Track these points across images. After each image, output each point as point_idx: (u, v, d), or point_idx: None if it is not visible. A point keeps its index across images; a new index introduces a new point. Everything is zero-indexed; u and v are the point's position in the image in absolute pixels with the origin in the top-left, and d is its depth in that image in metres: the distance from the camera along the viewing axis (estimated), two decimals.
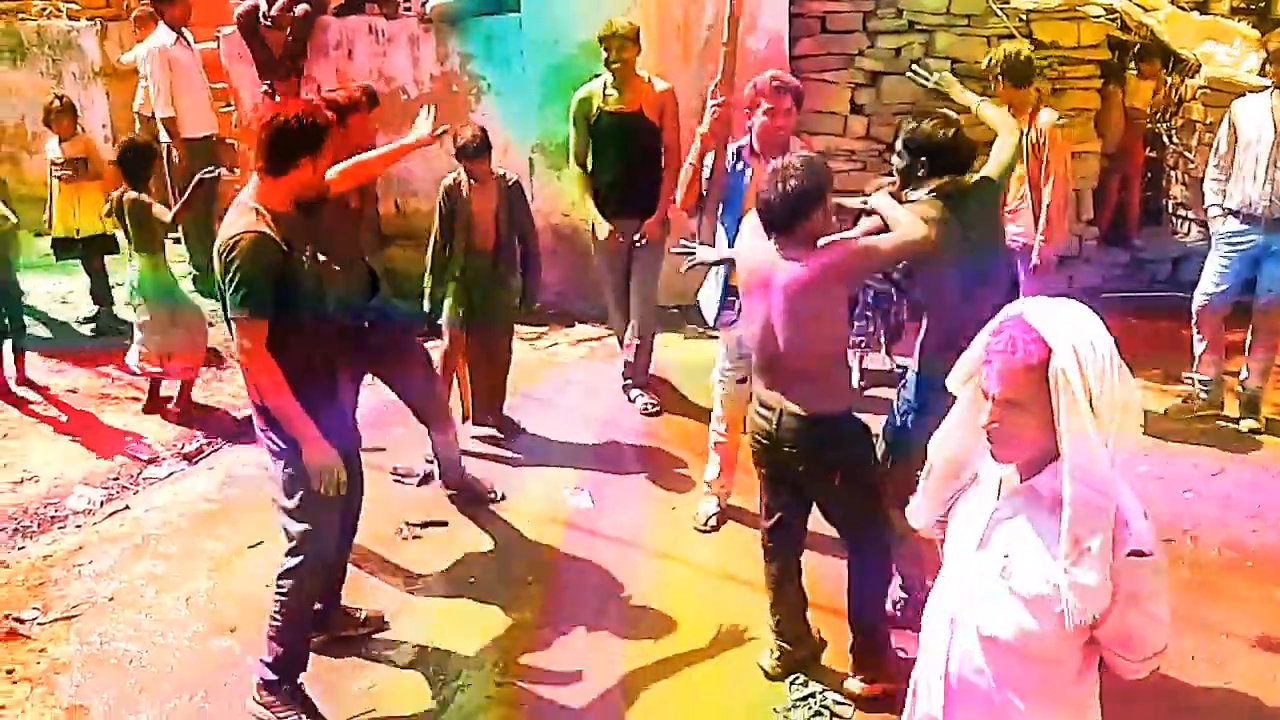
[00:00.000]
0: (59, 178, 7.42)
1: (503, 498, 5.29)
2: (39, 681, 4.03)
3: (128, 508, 5.32)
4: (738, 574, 4.54)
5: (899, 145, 3.93)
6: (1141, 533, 1.96)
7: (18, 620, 4.36)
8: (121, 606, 4.50)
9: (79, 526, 5.15)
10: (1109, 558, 1.92)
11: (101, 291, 7.73)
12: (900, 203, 3.77)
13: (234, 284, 3.45)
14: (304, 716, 3.72)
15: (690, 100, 6.18)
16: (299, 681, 3.78)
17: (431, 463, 5.38)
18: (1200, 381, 5.97)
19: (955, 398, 2.19)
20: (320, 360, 3.68)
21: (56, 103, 7.59)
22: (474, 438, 5.88)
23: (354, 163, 4.24)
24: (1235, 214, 5.69)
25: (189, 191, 6.33)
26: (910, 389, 3.96)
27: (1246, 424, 5.88)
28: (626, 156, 6.01)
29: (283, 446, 3.60)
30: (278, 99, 7.24)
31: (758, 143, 4.60)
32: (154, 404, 6.41)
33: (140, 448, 5.94)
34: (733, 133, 4.85)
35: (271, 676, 3.73)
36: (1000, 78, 5.68)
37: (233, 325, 3.53)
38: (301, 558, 3.68)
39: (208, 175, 6.37)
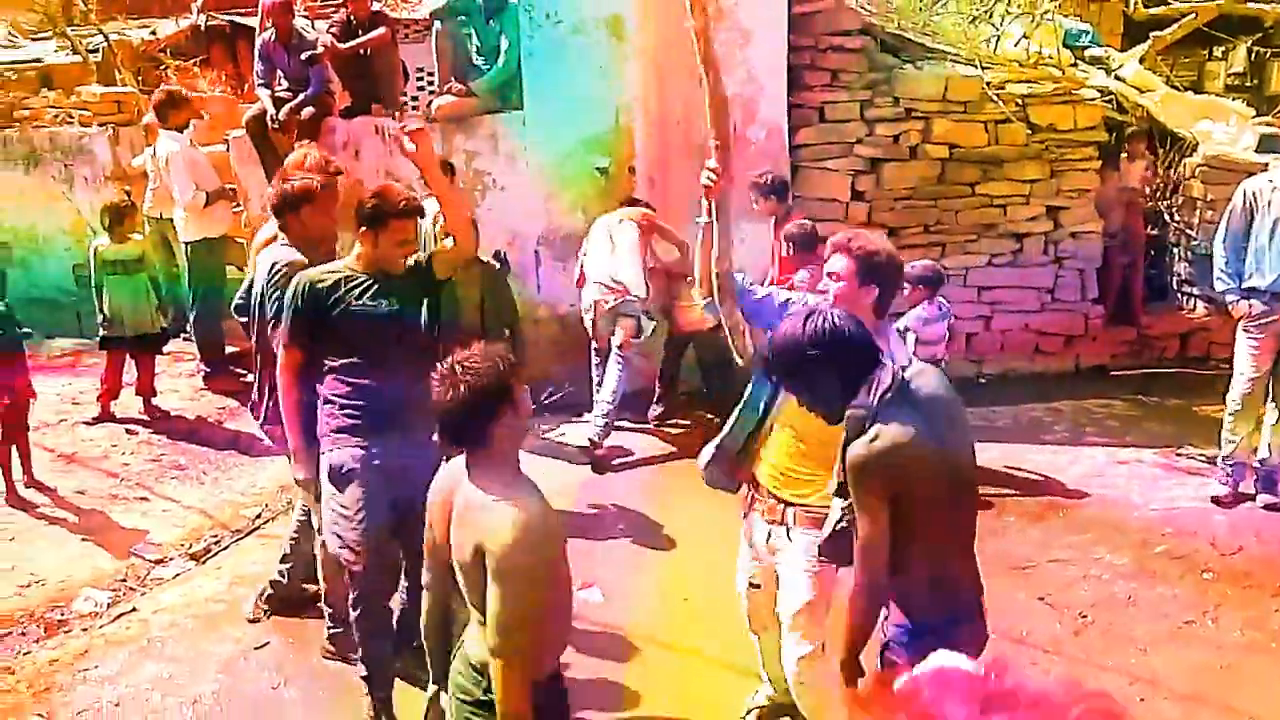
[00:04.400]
0: (113, 275, 7.29)
1: None
2: None
3: (135, 609, 5.25)
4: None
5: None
6: None
7: None
8: (126, 712, 4.42)
9: (85, 630, 5.08)
10: None
11: (148, 385, 7.61)
12: None
13: None
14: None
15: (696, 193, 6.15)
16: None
17: None
18: (1231, 466, 5.90)
19: None
20: None
21: (126, 198, 7.64)
22: None
23: None
24: (1259, 294, 5.66)
25: None
26: None
27: (1263, 499, 5.82)
28: None
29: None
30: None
31: None
32: None
33: (148, 548, 5.89)
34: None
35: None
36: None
37: None
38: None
39: None
